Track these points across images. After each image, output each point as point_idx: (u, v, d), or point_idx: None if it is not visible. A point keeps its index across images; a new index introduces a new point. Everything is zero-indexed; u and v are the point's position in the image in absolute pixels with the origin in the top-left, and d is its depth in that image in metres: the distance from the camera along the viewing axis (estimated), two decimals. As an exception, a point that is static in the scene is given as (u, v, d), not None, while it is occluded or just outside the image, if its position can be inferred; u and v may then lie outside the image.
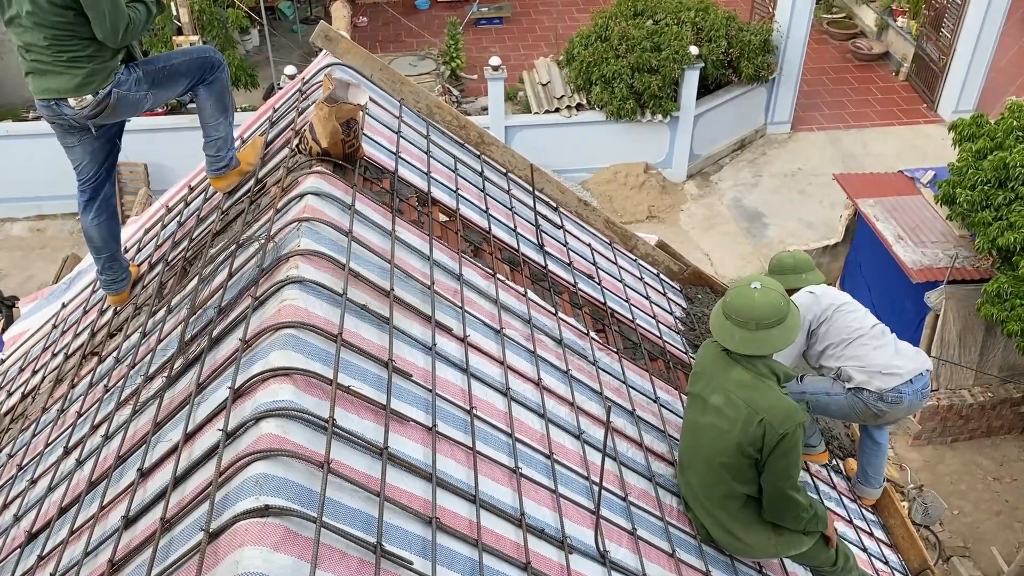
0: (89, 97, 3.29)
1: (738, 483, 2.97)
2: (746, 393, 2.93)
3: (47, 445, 3.19)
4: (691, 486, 3.12)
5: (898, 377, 3.83)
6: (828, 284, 4.18)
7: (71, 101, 3.29)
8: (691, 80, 12.89)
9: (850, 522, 4.05)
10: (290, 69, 11.73)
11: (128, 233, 4.51)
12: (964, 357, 9.51)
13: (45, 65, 3.23)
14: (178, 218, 4.02)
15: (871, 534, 4.19)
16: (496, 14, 18.40)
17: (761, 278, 3.06)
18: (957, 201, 8.76)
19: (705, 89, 13.44)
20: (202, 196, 3.96)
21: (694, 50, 12.63)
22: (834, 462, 4.49)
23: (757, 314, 2.93)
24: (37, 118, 14.31)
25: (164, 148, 12.51)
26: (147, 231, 4.32)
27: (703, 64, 12.88)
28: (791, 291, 3.94)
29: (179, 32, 12.41)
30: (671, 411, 3.67)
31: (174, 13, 12.37)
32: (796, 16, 13.74)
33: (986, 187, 8.45)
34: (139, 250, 4.18)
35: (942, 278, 8.95)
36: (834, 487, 4.25)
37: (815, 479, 4.09)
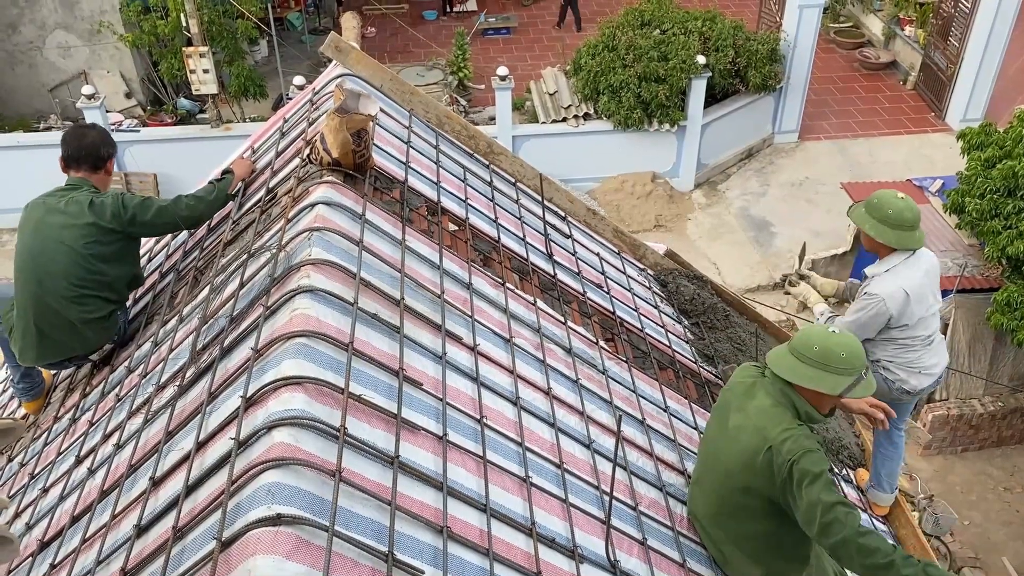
0: None
1: (733, 507, 2.93)
2: (761, 420, 2.87)
3: (59, 454, 3.20)
4: (695, 500, 3.11)
5: (932, 377, 3.87)
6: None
7: None
8: (698, 89, 12.91)
9: (861, 532, 4.03)
10: (299, 79, 11.79)
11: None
12: (974, 366, 9.47)
13: None
14: (189, 228, 4.03)
15: (882, 544, 4.16)
16: (503, 24, 18.46)
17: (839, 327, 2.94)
18: (966, 210, 8.74)
19: (712, 98, 13.46)
20: (213, 206, 3.98)
21: (701, 59, 12.65)
22: (844, 472, 4.47)
23: (843, 361, 2.83)
24: (47, 129, 14.42)
25: (173, 158, 12.59)
26: (158, 240, 4.34)
27: (710, 73, 12.90)
28: (886, 247, 3.74)
29: (189, 43, 12.48)
30: (681, 420, 3.66)
31: (184, 24, 12.45)
32: (803, 25, 13.76)
33: (995, 196, 8.43)
34: (150, 259, 4.20)
35: (951, 287, 8.92)
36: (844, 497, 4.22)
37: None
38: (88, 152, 3.50)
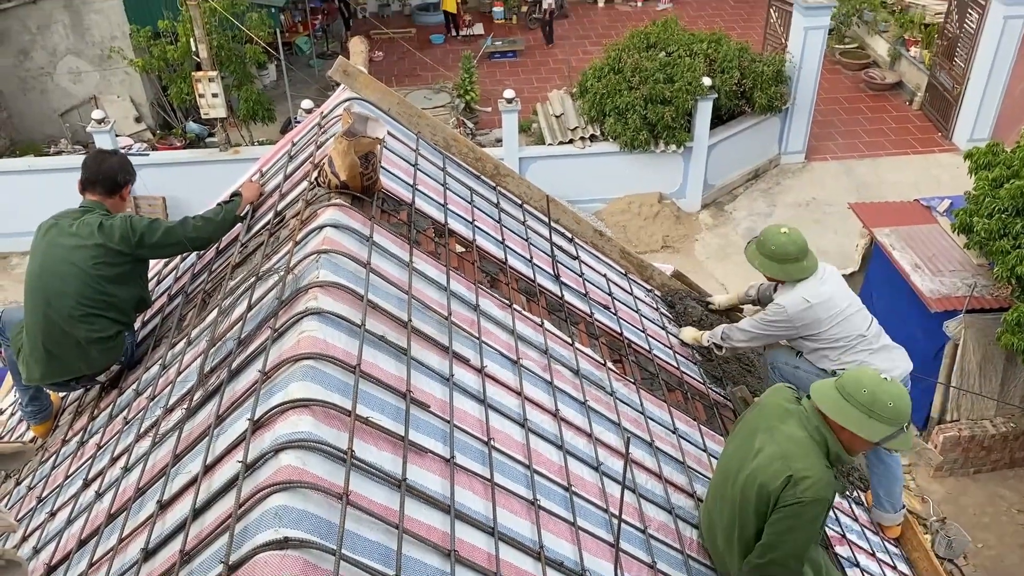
0: None
1: (743, 525, 2.92)
2: (789, 447, 2.86)
3: (67, 477, 3.20)
4: (710, 513, 3.08)
5: None
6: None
7: None
8: (704, 111, 12.95)
9: (872, 555, 3.99)
10: (307, 103, 11.88)
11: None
12: (985, 387, 9.39)
13: None
14: (197, 250, 4.05)
15: (895, 567, 4.12)
16: (509, 48, 18.61)
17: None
18: (974, 230, 8.71)
19: (718, 119, 13.50)
20: (221, 229, 4.00)
21: (707, 81, 12.70)
22: (855, 494, 4.43)
23: (888, 410, 2.83)
24: (58, 153, 14.56)
25: (181, 181, 12.67)
26: (167, 263, 4.36)
27: (716, 95, 12.94)
28: (778, 279, 3.94)
29: (198, 68, 12.61)
30: (690, 442, 3.64)
31: (193, 49, 12.58)
32: (808, 47, 13.81)
33: (1004, 215, 8.40)
34: (159, 282, 4.22)
35: (960, 307, 8.87)
36: (856, 519, 4.19)
37: (836, 511, 4.03)
38: (105, 176, 3.55)
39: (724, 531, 3.00)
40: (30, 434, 3.87)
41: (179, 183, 12.68)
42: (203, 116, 13.18)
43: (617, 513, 2.70)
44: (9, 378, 4.51)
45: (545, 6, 18.62)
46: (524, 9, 19.98)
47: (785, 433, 2.91)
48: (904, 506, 4.35)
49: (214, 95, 12.48)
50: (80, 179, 3.58)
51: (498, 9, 20.18)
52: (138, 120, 15.33)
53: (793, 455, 2.83)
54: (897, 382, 2.93)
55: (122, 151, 12.29)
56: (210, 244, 3.66)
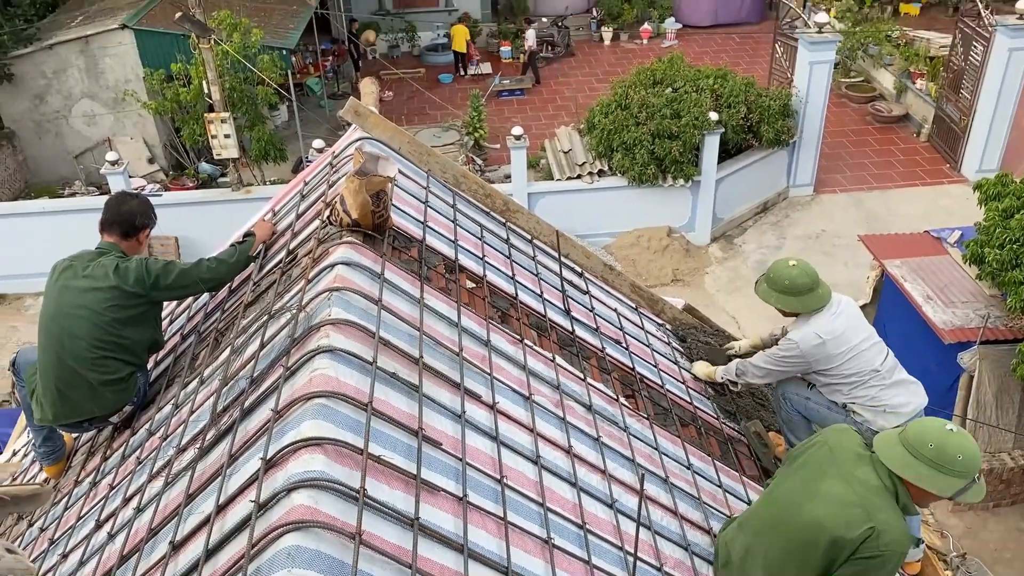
0: None
1: (800, 566, 2.82)
2: (868, 496, 2.78)
3: (79, 518, 3.19)
4: (748, 548, 2.98)
5: (901, 416, 3.82)
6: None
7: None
8: (712, 145, 13.03)
9: (893, 592, 3.92)
10: (318, 143, 12.02)
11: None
12: (1002, 419, 9.28)
13: None
14: (210, 290, 4.07)
15: (915, 605, 4.05)
16: (517, 86, 18.84)
17: (956, 426, 2.86)
18: (986, 260, 8.68)
19: (726, 153, 13.57)
20: (233, 268, 4.02)
21: (714, 116, 12.79)
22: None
23: (958, 463, 2.74)
24: (72, 195, 14.73)
25: (194, 221, 12.79)
26: (179, 303, 4.38)
27: (723, 129, 13.02)
28: (796, 312, 3.92)
29: (211, 109, 12.78)
30: (705, 478, 3.60)
31: (206, 91, 12.77)
32: (814, 81, 13.92)
33: (1015, 246, 8.38)
34: (171, 321, 4.24)
35: (974, 338, 8.80)
36: None
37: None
38: (124, 219, 3.59)
39: (767, 567, 2.91)
40: (43, 475, 3.87)
41: (192, 223, 12.80)
42: (215, 156, 13.34)
43: (633, 551, 2.67)
44: (23, 419, 4.52)
45: (526, 47, 19.05)
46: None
47: (861, 480, 2.82)
48: (923, 542, 4.28)
49: (226, 136, 12.65)
50: (100, 219, 3.62)
51: (505, 49, 20.47)
52: (151, 161, 15.53)
53: (873, 506, 2.75)
54: (964, 432, 2.83)
55: (144, 194, 12.47)
56: (223, 284, 3.69)
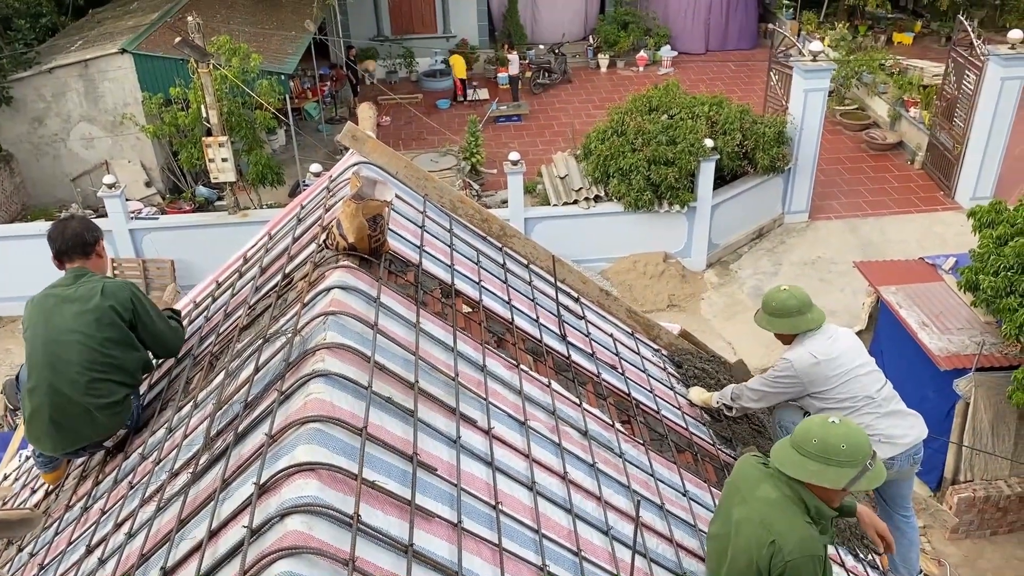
0: None
1: None
2: (767, 512, 2.80)
3: (70, 543, 3.15)
4: None
5: (897, 447, 3.80)
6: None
7: None
8: (707, 171, 13.10)
9: (891, 621, 3.89)
10: (315, 167, 12.06)
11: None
12: (998, 447, 9.27)
13: None
14: (205, 313, 4.07)
15: (914, 634, 4.01)
16: (514, 112, 18.96)
17: (842, 417, 2.89)
18: (981, 287, 8.72)
19: (722, 180, 13.65)
20: (229, 291, 4.02)
21: (709, 143, 12.88)
22: (871, 557, 4.34)
23: (843, 453, 2.76)
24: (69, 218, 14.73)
25: (190, 245, 12.80)
26: (174, 326, 4.37)
27: (718, 156, 13.11)
28: (791, 335, 3.97)
29: (208, 133, 12.83)
30: (701, 505, 3.58)
31: (204, 115, 12.82)
32: (809, 109, 14.03)
33: (1009, 273, 8.41)
34: (166, 345, 4.21)
35: (970, 365, 8.82)
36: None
37: (851, 575, 3.95)
38: (76, 240, 3.55)
39: None
40: (33, 499, 3.83)
41: (188, 246, 12.81)
42: (212, 180, 13.38)
43: (628, 578, 2.65)
44: (13, 443, 4.49)
45: (511, 73, 19.48)
46: (528, 75, 20.41)
47: (759, 498, 2.83)
48: (921, 570, 4.26)
49: (224, 160, 12.69)
50: (53, 254, 3.57)
51: (503, 75, 20.63)
52: (148, 184, 15.56)
53: (771, 518, 2.76)
54: (848, 422, 2.85)
55: (83, 213, 12.48)
56: (173, 352, 3.73)
